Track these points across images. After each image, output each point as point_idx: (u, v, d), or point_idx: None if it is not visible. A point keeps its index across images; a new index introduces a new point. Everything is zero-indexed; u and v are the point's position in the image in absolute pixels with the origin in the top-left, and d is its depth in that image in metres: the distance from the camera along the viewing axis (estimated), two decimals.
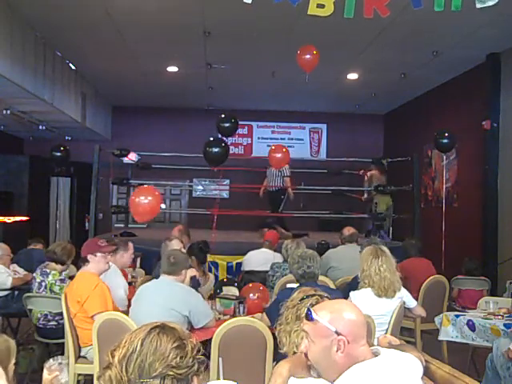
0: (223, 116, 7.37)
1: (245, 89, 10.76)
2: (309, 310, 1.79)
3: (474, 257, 6.82)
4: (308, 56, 6.54)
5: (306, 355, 1.80)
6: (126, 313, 3.66)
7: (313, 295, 2.36)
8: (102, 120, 12.06)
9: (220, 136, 7.39)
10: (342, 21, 3.94)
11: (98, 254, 3.98)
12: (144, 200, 5.17)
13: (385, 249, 3.92)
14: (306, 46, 6.60)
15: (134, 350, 1.43)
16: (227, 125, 7.25)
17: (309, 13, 3.74)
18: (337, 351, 1.70)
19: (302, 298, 2.36)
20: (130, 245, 4.87)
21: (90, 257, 3.97)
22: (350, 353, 1.70)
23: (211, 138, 6.98)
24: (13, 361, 2.16)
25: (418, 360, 1.83)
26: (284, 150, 7.63)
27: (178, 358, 1.44)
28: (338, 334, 1.70)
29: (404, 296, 3.91)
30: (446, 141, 7.71)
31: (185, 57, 8.74)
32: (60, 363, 2.16)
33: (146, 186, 5.70)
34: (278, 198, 9.10)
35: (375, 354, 1.76)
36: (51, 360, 2.17)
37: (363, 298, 3.67)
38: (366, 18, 3.83)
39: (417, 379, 1.75)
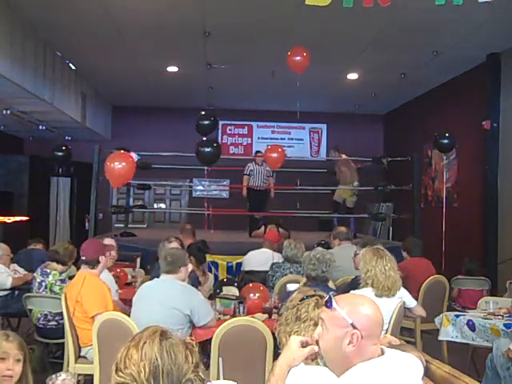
0: (203, 113, 7.36)
1: (245, 89, 10.76)
2: (330, 297, 1.80)
3: (473, 257, 6.82)
4: (298, 58, 6.54)
5: (316, 342, 1.81)
6: (127, 313, 3.66)
7: (312, 295, 2.36)
8: (101, 120, 12.06)
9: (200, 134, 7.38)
10: (342, 21, 3.94)
11: (107, 254, 4.17)
12: (118, 165, 5.24)
13: (383, 248, 3.96)
14: (295, 48, 6.59)
15: (157, 365, 1.45)
16: (206, 122, 7.23)
17: (307, 3, 3.74)
18: (348, 344, 1.70)
19: (302, 299, 2.36)
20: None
21: (101, 258, 4.08)
22: (360, 348, 1.70)
23: (204, 138, 7.01)
24: None
25: (418, 360, 1.83)
26: (280, 149, 7.62)
27: (194, 358, 1.47)
28: (353, 326, 1.70)
29: (404, 296, 3.91)
30: (446, 141, 7.72)
31: (185, 57, 8.74)
32: (63, 380, 2.12)
33: (121, 151, 5.82)
34: (266, 197, 9.07)
35: (382, 353, 1.76)
36: (53, 376, 2.13)
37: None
38: (367, 17, 3.84)
39: (418, 379, 1.75)
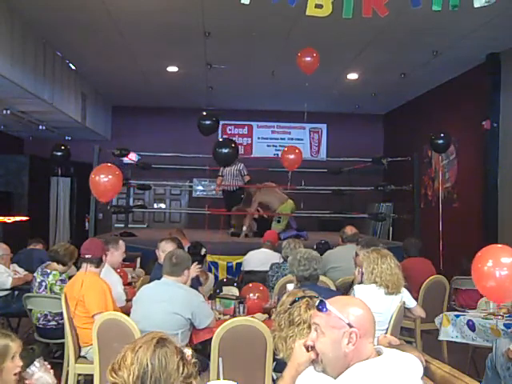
0: (204, 114, 7.30)
1: (245, 89, 10.76)
2: (322, 301, 1.80)
3: (472, 256, 6.81)
4: (309, 58, 6.53)
5: (311, 348, 1.81)
6: (126, 312, 3.66)
7: (302, 297, 2.34)
8: (101, 120, 12.06)
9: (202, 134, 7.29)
10: (341, 21, 3.94)
11: (107, 254, 4.29)
12: (104, 178, 5.10)
13: (384, 248, 3.98)
14: (305, 49, 6.58)
15: (146, 370, 1.48)
16: (208, 123, 7.18)
17: (307, 13, 3.75)
18: (347, 344, 1.72)
19: (293, 301, 2.34)
20: (121, 243, 4.92)
21: (104, 257, 4.17)
22: (359, 347, 1.72)
23: (220, 139, 6.87)
24: (8, 361, 2.20)
25: (418, 360, 1.84)
26: (297, 150, 7.61)
27: (186, 368, 1.49)
28: (350, 326, 1.72)
29: (404, 295, 3.92)
30: (441, 141, 7.71)
31: (185, 57, 8.74)
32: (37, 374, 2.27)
33: (107, 164, 5.59)
34: (238, 197, 8.99)
35: (378, 353, 1.77)
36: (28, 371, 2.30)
37: (368, 292, 3.69)
38: (366, 17, 3.83)
39: (417, 379, 1.75)
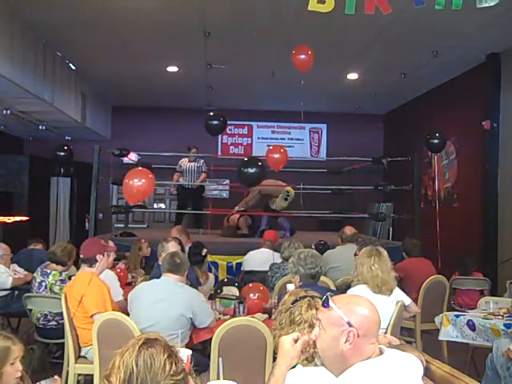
0: (211, 114, 7.28)
1: (245, 89, 10.76)
2: (327, 296, 1.81)
3: (471, 254, 6.83)
4: (303, 56, 6.50)
5: (314, 343, 1.82)
6: (123, 309, 3.66)
7: (304, 297, 2.35)
8: (101, 120, 12.06)
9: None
10: (342, 21, 3.94)
11: (105, 253, 4.11)
12: (138, 182, 5.11)
13: (381, 250, 3.97)
14: (300, 46, 6.56)
15: (132, 372, 1.48)
16: (215, 123, 7.17)
17: (309, 9, 3.70)
18: (345, 342, 1.71)
19: (295, 301, 2.35)
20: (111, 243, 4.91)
21: (99, 256, 4.04)
22: (357, 347, 1.71)
23: (245, 158, 6.60)
24: (7, 366, 2.18)
25: (418, 360, 1.84)
26: (282, 150, 7.52)
27: (174, 366, 1.49)
28: (349, 325, 1.72)
29: (398, 295, 3.92)
30: (436, 141, 7.71)
31: (185, 57, 8.74)
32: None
33: (139, 168, 5.64)
34: (199, 195, 8.83)
35: (380, 353, 1.77)
36: (43, 381, 2.26)
37: (358, 293, 3.69)
38: (367, 17, 3.82)
39: (417, 379, 1.75)
